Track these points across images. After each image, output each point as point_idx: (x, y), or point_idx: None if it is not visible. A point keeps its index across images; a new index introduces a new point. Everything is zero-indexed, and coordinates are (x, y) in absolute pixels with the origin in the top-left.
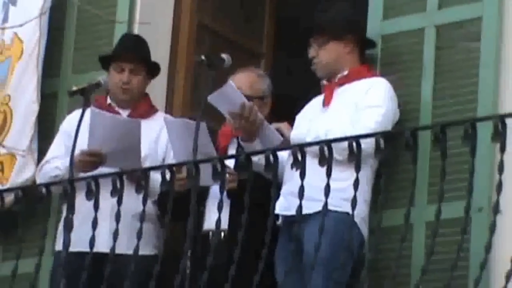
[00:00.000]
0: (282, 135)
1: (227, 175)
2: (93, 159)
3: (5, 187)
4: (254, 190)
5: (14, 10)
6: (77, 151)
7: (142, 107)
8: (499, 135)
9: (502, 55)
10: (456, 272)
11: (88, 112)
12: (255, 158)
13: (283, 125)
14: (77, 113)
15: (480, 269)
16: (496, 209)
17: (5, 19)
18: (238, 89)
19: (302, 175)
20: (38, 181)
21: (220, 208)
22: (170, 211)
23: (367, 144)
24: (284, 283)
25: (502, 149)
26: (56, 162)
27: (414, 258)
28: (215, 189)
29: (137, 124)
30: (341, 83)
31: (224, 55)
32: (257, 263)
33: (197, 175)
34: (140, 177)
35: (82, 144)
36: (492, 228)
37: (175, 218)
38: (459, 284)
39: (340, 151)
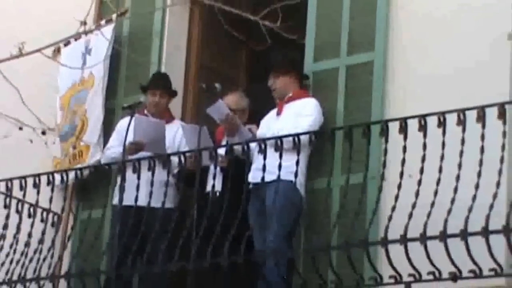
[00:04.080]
0: (252, 133)
1: (220, 158)
2: (137, 146)
3: (83, 165)
4: (236, 167)
5: (89, 57)
6: (127, 143)
7: (166, 117)
8: (384, 133)
9: (386, 83)
10: (358, 216)
11: (133, 119)
12: (235, 147)
13: (253, 127)
14: (125, 120)
15: (372, 214)
16: (382, 177)
17: (84, 63)
18: (228, 105)
19: (264, 157)
20: (103, 162)
21: (214, 178)
22: (183, 181)
23: (304, 139)
24: (254, 225)
25: (386, 141)
26: (114, 149)
27: (333, 208)
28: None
29: (163, 124)
30: (288, 101)
31: (217, 84)
32: (237, 212)
33: (200, 158)
34: (165, 159)
35: (129, 138)
36: (380, 189)
37: (187, 185)
38: (360, 224)
39: (287, 143)
